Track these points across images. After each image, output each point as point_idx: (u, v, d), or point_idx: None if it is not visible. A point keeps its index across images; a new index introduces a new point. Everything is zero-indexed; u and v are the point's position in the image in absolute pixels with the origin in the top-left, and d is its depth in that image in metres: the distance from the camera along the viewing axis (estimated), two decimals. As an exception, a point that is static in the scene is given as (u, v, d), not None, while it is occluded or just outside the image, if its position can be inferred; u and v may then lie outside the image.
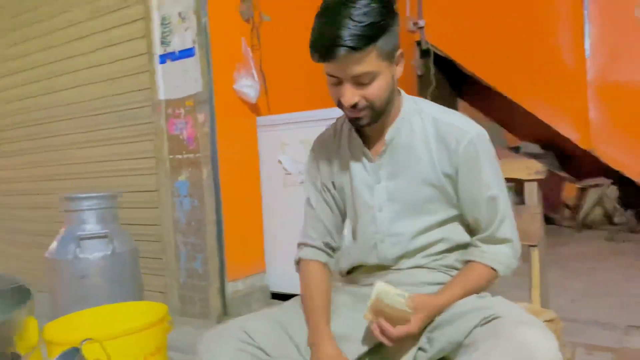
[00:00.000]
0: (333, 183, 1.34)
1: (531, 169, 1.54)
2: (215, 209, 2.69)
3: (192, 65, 2.69)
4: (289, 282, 2.87)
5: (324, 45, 1.06)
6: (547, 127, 4.47)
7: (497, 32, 4.39)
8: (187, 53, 2.70)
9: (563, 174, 4.74)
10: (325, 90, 1.20)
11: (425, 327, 1.13)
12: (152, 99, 2.87)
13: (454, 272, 1.26)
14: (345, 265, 1.37)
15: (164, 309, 1.75)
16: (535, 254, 1.51)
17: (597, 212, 4.68)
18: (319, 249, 1.34)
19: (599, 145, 4.18)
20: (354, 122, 1.18)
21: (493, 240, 1.23)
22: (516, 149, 5.09)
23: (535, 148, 5.02)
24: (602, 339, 2.15)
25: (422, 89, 4.74)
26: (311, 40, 1.09)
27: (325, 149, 1.35)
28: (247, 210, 2.90)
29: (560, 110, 4.29)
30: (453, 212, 1.26)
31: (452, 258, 1.28)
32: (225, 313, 2.70)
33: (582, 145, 4.29)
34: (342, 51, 1.04)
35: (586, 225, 4.66)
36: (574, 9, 4.07)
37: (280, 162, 2.82)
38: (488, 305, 1.06)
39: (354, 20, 1.04)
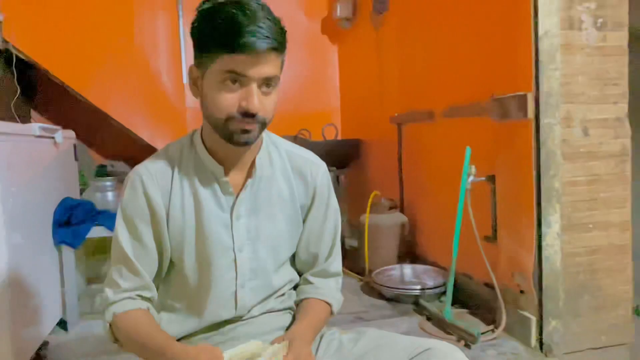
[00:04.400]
0: (167, 224, 1.10)
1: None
2: None
3: None
4: None
5: (246, 35, 0.92)
6: (139, 146, 4.55)
7: (97, 47, 4.14)
8: None
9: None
10: None
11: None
12: None
13: (292, 313, 1.21)
14: (185, 330, 1.14)
15: None
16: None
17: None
18: (136, 299, 1.09)
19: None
20: (241, 135, 1.00)
21: (325, 274, 1.22)
22: (103, 167, 4.93)
23: (124, 167, 5.01)
24: None
25: None
26: (222, 28, 0.94)
27: (158, 181, 1.09)
28: None
29: (160, 130, 4.44)
30: (294, 249, 1.21)
31: (293, 298, 1.23)
32: None
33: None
34: (265, 45, 0.93)
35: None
36: (172, 37, 4.36)
37: None
38: (402, 339, 1.08)
39: (272, 22, 0.96)
